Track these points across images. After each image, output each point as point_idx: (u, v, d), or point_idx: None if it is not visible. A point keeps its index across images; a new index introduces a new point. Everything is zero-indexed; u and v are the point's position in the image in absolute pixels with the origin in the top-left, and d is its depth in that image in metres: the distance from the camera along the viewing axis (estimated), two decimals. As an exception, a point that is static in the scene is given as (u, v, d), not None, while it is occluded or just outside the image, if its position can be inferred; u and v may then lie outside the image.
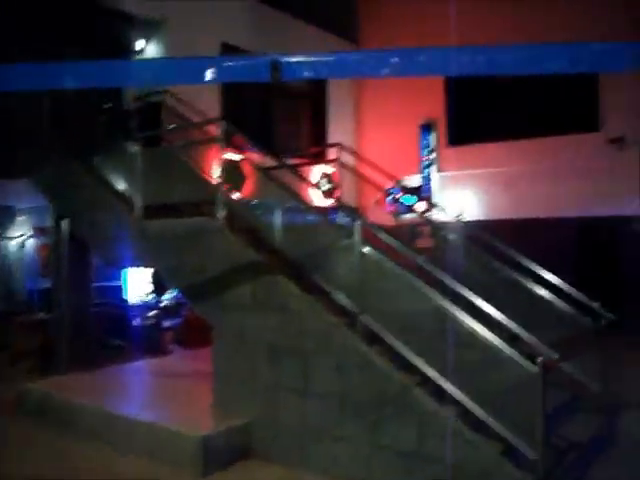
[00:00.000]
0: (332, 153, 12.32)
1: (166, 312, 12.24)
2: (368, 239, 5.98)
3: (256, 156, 8.30)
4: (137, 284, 12.37)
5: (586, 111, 13.55)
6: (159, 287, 12.20)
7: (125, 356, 10.38)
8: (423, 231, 11.19)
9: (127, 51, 11.65)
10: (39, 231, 13.61)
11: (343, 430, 5.65)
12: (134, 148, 7.97)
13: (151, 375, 9.02)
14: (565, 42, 3.93)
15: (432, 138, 15.75)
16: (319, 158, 14.37)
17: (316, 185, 12.74)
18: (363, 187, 12.93)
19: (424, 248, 9.28)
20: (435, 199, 14.51)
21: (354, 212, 6.26)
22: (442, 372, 5.32)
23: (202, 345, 8.52)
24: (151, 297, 12.37)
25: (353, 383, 5.63)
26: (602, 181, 12.94)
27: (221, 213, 6.80)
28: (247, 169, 8.74)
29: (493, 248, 7.88)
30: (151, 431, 6.37)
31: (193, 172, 8.60)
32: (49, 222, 10.63)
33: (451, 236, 8.37)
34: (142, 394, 7.97)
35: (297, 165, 10.19)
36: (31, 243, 14.24)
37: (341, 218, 7.56)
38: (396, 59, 3.80)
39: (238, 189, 9.14)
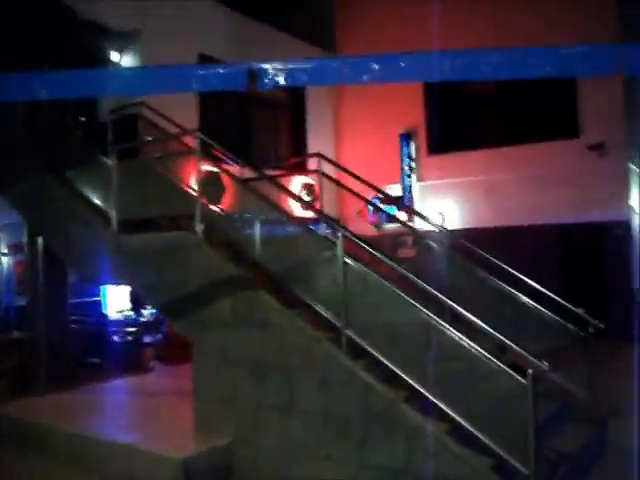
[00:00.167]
0: (312, 163, 12.22)
1: (146, 328, 12.00)
2: (350, 250, 5.85)
3: (235, 167, 8.15)
4: (117, 299, 12.12)
5: (566, 118, 13.58)
6: (139, 302, 11.96)
7: (104, 374, 10.13)
8: (405, 241, 11.12)
9: (101, 63, 11.47)
10: (14, 248, 13.32)
11: (328, 448, 5.48)
12: (110, 161, 7.79)
13: (130, 394, 8.79)
14: (552, 42, 3.84)
15: (412, 147, 15.70)
16: (299, 169, 14.26)
17: (296, 196, 12.61)
18: (344, 197, 12.84)
19: (406, 258, 9.19)
20: (416, 208, 14.45)
21: (335, 223, 6.11)
22: (429, 385, 5.18)
23: (183, 361, 8.32)
24: (131, 312, 12.13)
25: (338, 399, 5.47)
26: (584, 187, 12.95)
27: (199, 227, 6.63)
28: (226, 181, 8.59)
29: (476, 257, 7.79)
30: (130, 454, 6.16)
31: (171, 185, 8.45)
32: (24, 238, 10.38)
33: (433, 245, 8.27)
34: (121, 415, 7.73)
35: (277, 176, 10.05)
36: (6, 260, 13.95)
37: (322, 229, 7.43)
38: (376, 65, 3.68)
39: (217, 201, 8.98)
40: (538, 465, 4.63)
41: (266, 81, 3.86)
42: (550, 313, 7.10)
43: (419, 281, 5.52)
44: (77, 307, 11.55)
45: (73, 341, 10.59)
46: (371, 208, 14.24)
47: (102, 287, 11.91)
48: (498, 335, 5.08)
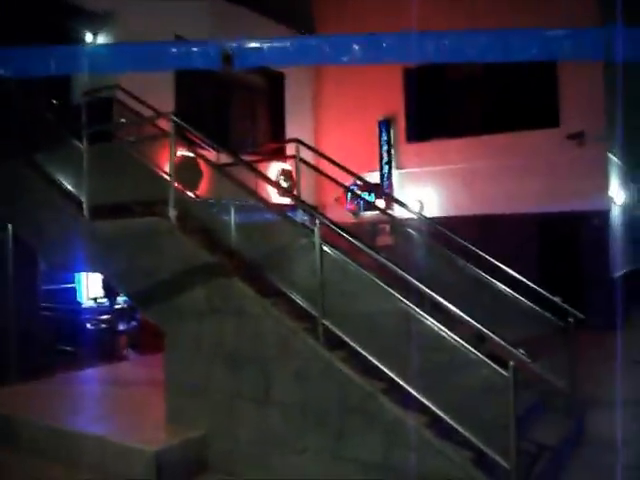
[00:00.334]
0: (290, 149, 12.05)
1: (120, 315, 11.79)
2: (328, 238, 5.70)
3: (211, 153, 7.95)
4: (91, 286, 11.88)
5: (546, 106, 13.51)
6: (113, 289, 11.74)
7: (77, 363, 9.92)
8: (383, 228, 11.00)
9: (75, 44, 11.16)
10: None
11: (305, 441, 5.35)
12: (83, 145, 7.55)
13: (103, 384, 8.59)
14: (534, 26, 3.74)
15: (391, 134, 15.58)
16: (277, 154, 14.07)
17: (274, 182, 12.44)
18: (322, 184, 12.69)
19: (385, 245, 9.08)
20: (395, 196, 14.35)
21: (313, 210, 5.96)
22: (408, 377, 5.07)
23: (158, 350, 8.11)
24: (105, 300, 11.90)
25: (315, 391, 5.34)
26: (563, 177, 12.94)
27: (173, 212, 6.44)
28: (202, 166, 8.39)
29: (454, 245, 7.71)
30: (101, 446, 5.98)
31: (146, 169, 8.21)
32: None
33: (412, 233, 8.17)
34: (92, 405, 7.54)
35: (254, 162, 9.85)
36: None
37: (300, 216, 7.27)
38: (358, 45, 3.53)
39: (194, 187, 8.78)
40: (519, 459, 4.54)
41: (242, 61, 3.71)
42: (528, 302, 7.03)
43: (398, 269, 5.39)
44: (50, 294, 11.31)
45: (46, 329, 10.37)
46: (350, 195, 14.12)
47: (76, 274, 11.67)
48: (477, 325, 4.98)
